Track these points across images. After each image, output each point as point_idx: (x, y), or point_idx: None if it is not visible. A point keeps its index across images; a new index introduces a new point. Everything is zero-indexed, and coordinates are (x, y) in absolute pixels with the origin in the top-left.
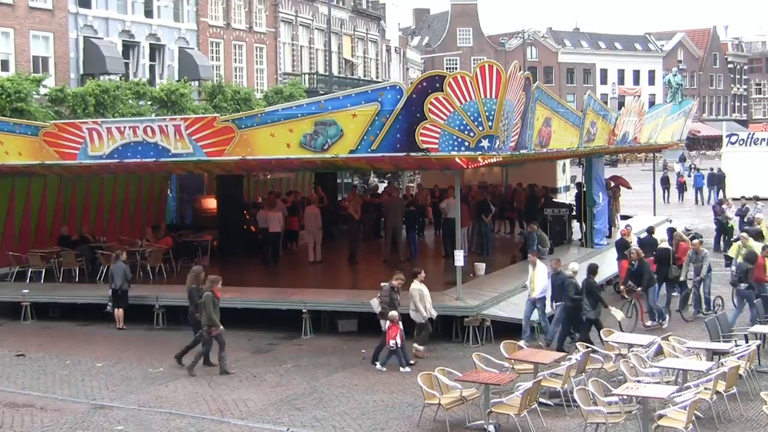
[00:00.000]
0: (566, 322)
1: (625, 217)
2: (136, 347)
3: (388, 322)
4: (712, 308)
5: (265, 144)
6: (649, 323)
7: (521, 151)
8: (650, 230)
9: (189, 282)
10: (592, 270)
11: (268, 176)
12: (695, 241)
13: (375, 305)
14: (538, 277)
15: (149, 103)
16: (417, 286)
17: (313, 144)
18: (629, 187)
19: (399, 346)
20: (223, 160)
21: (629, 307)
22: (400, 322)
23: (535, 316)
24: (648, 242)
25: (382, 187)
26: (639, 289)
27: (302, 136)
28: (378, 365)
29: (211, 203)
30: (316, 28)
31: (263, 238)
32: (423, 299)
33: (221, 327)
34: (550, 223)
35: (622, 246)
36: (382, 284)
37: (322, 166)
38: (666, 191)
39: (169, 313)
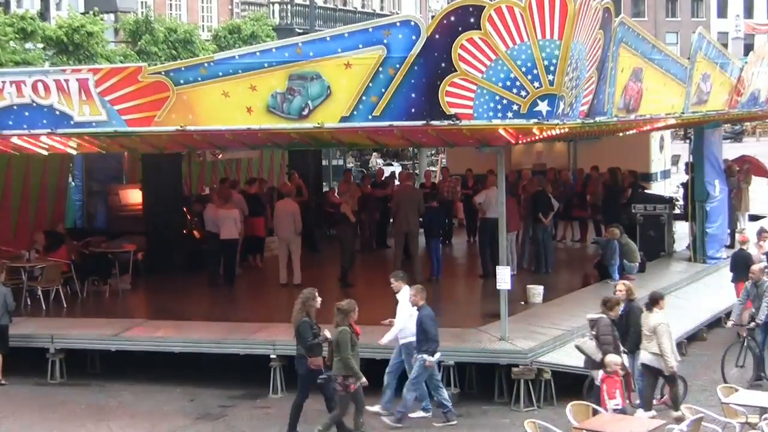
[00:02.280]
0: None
1: (755, 218)
2: (20, 413)
3: (600, 373)
4: None
5: (215, 108)
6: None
7: (597, 119)
8: None
9: (297, 312)
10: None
11: (220, 156)
12: (758, 266)
13: (590, 348)
14: (400, 309)
15: (41, 46)
16: (661, 317)
17: (286, 108)
18: (765, 174)
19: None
20: (153, 132)
21: (741, 351)
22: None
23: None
24: None
25: (388, 172)
26: (753, 324)
27: (270, 97)
28: None
29: (133, 197)
30: None
31: (211, 247)
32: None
33: (363, 379)
34: (640, 225)
35: (741, 261)
36: (593, 317)
37: (299, 141)
38: None
39: (72, 360)
